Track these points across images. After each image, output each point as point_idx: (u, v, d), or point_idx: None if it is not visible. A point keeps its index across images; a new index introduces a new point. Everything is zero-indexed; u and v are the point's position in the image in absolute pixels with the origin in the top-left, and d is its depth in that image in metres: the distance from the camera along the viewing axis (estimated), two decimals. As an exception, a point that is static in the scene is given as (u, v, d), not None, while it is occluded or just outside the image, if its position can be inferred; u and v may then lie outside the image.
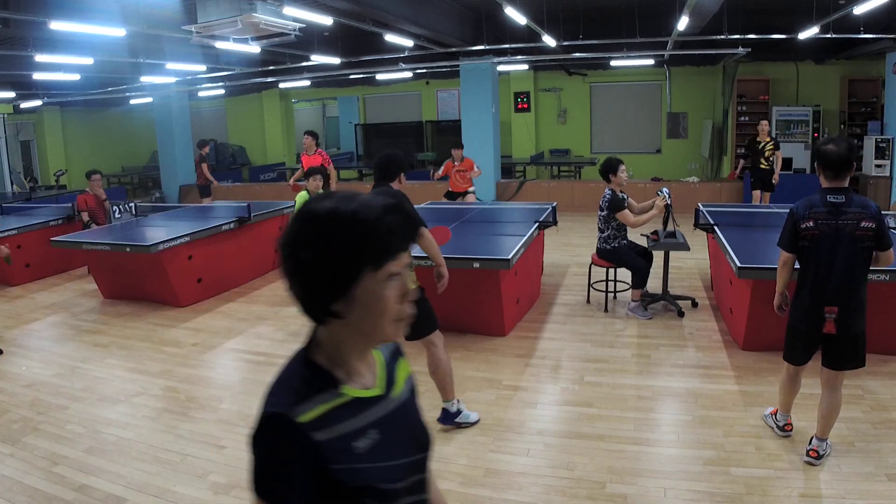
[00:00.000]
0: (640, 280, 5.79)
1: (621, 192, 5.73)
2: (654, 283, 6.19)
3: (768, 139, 9.08)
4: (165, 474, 3.47)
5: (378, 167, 3.93)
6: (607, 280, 6.22)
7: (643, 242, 6.03)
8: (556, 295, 6.67)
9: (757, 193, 9.29)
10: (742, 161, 9.45)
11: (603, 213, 5.77)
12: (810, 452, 3.34)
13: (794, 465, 3.33)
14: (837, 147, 3.16)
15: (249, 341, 5.66)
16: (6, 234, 7.57)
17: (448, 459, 3.53)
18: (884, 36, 9.73)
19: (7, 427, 4.08)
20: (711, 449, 3.53)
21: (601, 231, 5.87)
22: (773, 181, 9.02)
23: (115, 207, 8.15)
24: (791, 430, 3.63)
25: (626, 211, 5.63)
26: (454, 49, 11.58)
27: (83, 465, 3.58)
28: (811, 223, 3.23)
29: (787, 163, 11.43)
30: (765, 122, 9.20)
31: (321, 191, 6.97)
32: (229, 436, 3.90)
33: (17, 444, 3.83)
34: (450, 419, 3.89)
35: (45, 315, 6.62)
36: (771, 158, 9.04)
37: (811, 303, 3.28)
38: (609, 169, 5.69)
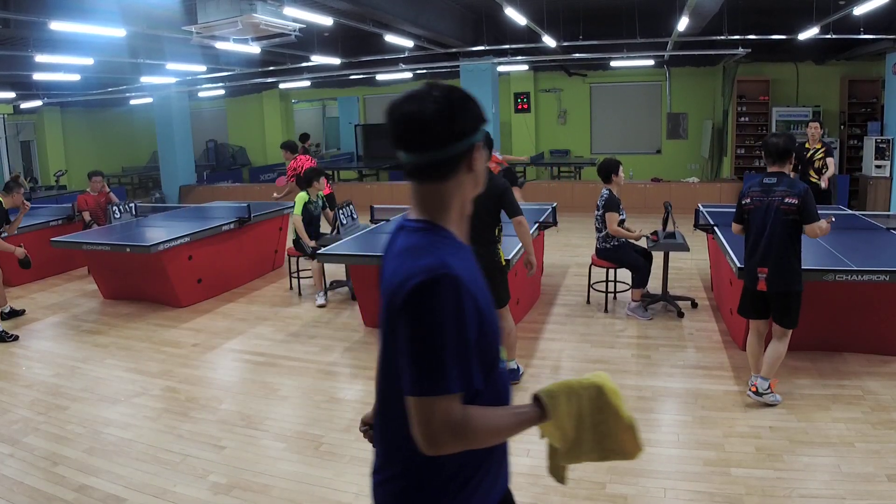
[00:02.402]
0: (640, 279, 5.79)
1: (617, 193, 5.78)
2: (653, 284, 6.19)
3: (819, 145, 7.18)
4: (165, 474, 3.47)
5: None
6: (607, 280, 6.22)
7: (643, 242, 6.03)
8: (556, 295, 6.67)
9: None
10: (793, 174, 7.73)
11: (599, 213, 5.80)
12: (751, 388, 4.04)
13: (793, 465, 3.34)
14: (777, 140, 3.91)
15: (249, 342, 5.66)
16: (6, 234, 7.56)
17: (448, 460, 3.53)
18: (884, 36, 9.74)
19: (7, 427, 4.08)
20: (711, 449, 3.53)
21: (598, 231, 5.89)
22: (824, 186, 7.07)
23: (114, 208, 8.15)
24: (755, 391, 4.04)
25: (616, 215, 5.67)
26: (454, 50, 11.59)
27: (83, 465, 3.58)
28: (749, 199, 3.99)
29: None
30: (815, 125, 7.26)
31: (320, 193, 6.97)
32: (229, 436, 3.90)
33: (17, 444, 3.83)
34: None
35: (45, 315, 6.62)
36: (823, 170, 7.12)
37: (749, 265, 3.99)
38: (610, 169, 5.72)
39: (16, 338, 5.83)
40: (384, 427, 1.47)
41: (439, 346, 1.24)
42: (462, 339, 1.25)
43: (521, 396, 4.31)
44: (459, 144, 1.36)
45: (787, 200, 3.78)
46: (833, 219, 3.99)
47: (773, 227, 3.83)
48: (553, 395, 1.42)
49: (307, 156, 8.56)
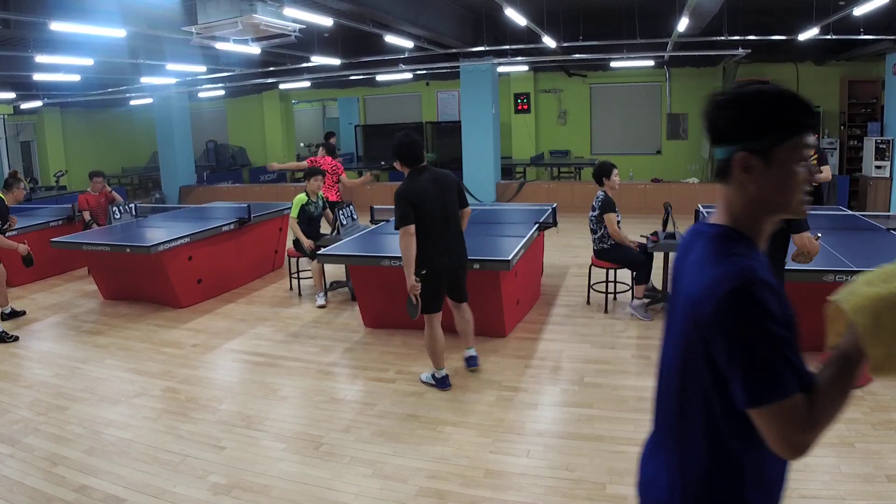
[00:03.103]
0: (643, 275, 5.83)
1: (612, 195, 5.85)
2: (654, 283, 6.19)
3: (813, 153, 7.56)
4: (165, 475, 3.47)
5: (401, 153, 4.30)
6: (607, 281, 6.22)
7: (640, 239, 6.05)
8: (557, 296, 6.67)
9: None
10: None
11: (595, 214, 5.88)
12: None
13: (793, 465, 3.32)
14: None
15: (249, 342, 5.66)
16: (7, 234, 7.56)
17: (448, 460, 3.53)
18: (884, 37, 9.74)
19: (7, 427, 4.08)
20: (711, 450, 3.52)
21: (594, 232, 5.96)
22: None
23: (115, 208, 8.15)
24: None
25: (613, 215, 5.75)
26: (454, 50, 11.59)
27: (83, 465, 3.58)
28: None
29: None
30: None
31: (320, 194, 6.97)
32: (229, 436, 3.90)
33: (17, 445, 3.83)
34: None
35: (45, 316, 6.62)
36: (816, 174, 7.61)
37: None
38: (603, 172, 5.83)
39: (16, 338, 5.83)
40: (679, 445, 1.43)
41: (770, 349, 1.18)
42: (785, 338, 1.19)
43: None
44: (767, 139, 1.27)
45: None
46: (820, 235, 3.76)
47: None
48: (861, 309, 1.19)
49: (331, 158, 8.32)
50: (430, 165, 4.39)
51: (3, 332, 5.79)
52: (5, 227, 6.49)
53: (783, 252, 3.64)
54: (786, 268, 3.78)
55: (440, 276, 4.32)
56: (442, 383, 4.50)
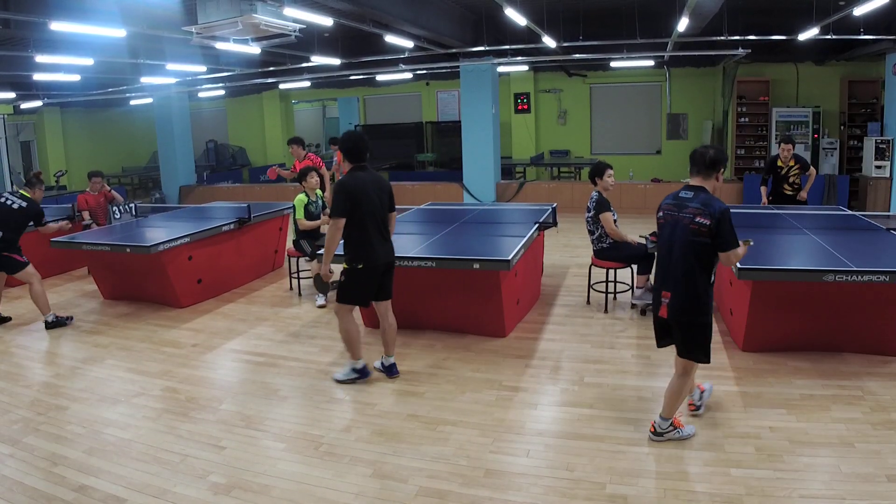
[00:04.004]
0: (645, 266, 5.86)
1: (606, 196, 5.90)
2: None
3: (793, 162, 7.45)
4: (165, 475, 3.47)
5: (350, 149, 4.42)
6: (607, 281, 6.23)
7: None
8: (557, 296, 6.67)
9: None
10: (764, 188, 7.70)
11: (590, 215, 5.92)
12: (650, 428, 3.63)
13: (793, 466, 3.33)
14: (706, 150, 3.57)
15: (249, 342, 5.66)
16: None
17: (448, 460, 3.53)
18: (884, 37, 9.74)
19: (7, 427, 4.08)
20: (711, 449, 3.53)
21: (591, 233, 6.00)
22: (800, 198, 7.53)
23: (114, 208, 8.14)
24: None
25: (609, 214, 5.79)
26: (454, 50, 11.59)
27: (83, 465, 3.58)
28: (661, 213, 3.60)
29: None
30: (788, 147, 7.39)
31: (318, 191, 6.98)
32: (229, 436, 3.90)
33: (17, 445, 3.83)
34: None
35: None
36: (796, 183, 7.54)
37: (655, 286, 3.62)
38: (596, 173, 5.92)
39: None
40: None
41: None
42: None
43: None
44: None
45: (697, 220, 3.34)
46: (751, 242, 3.64)
47: (681, 248, 3.40)
48: None
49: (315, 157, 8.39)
50: (368, 166, 4.52)
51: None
52: (43, 223, 6.30)
53: (707, 284, 3.45)
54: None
55: (374, 272, 4.43)
56: (363, 373, 4.60)
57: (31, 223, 6.21)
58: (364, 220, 4.31)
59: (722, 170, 3.58)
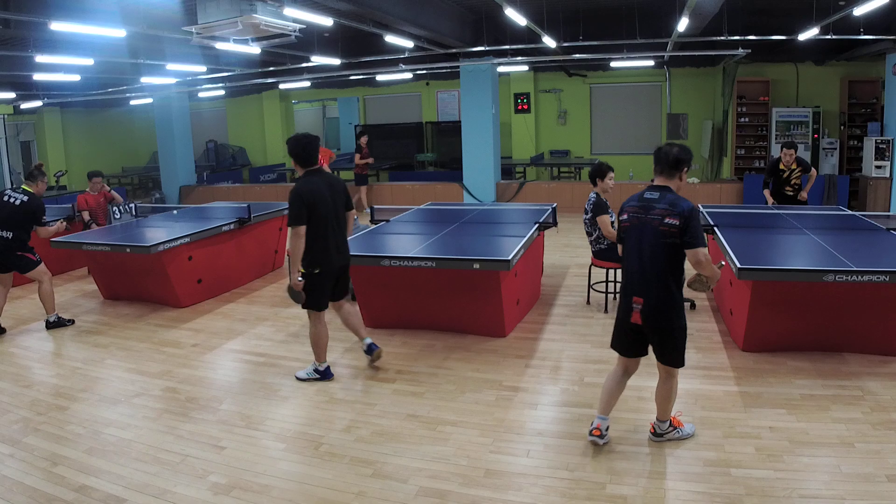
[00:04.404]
0: None
1: (605, 198, 5.89)
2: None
3: (795, 166, 7.52)
4: (165, 475, 3.47)
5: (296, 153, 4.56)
6: (607, 281, 6.23)
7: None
8: (557, 296, 6.67)
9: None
10: (767, 190, 7.71)
11: (588, 216, 5.91)
12: (593, 431, 3.54)
13: (793, 465, 3.34)
14: (671, 148, 3.45)
15: (249, 342, 5.66)
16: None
17: (448, 460, 3.53)
18: (884, 37, 9.74)
19: (7, 427, 4.08)
20: (711, 450, 3.53)
21: (589, 234, 6.01)
22: (801, 198, 7.62)
23: (114, 208, 8.14)
24: (598, 434, 3.55)
25: (607, 217, 5.76)
26: (454, 50, 11.60)
27: (83, 465, 3.58)
28: (625, 216, 3.49)
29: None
30: (791, 152, 7.43)
31: None
32: (229, 436, 3.90)
33: (17, 445, 3.84)
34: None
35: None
36: (797, 184, 7.61)
37: (624, 292, 3.48)
38: (597, 173, 5.91)
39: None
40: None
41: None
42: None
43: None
44: None
45: (666, 221, 3.27)
46: (724, 263, 3.56)
47: (651, 251, 3.33)
48: None
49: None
50: (322, 168, 4.61)
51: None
52: (43, 223, 6.14)
53: (679, 287, 3.45)
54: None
55: (331, 275, 4.53)
56: (325, 374, 4.72)
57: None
58: (320, 225, 4.39)
59: (686, 169, 3.49)
